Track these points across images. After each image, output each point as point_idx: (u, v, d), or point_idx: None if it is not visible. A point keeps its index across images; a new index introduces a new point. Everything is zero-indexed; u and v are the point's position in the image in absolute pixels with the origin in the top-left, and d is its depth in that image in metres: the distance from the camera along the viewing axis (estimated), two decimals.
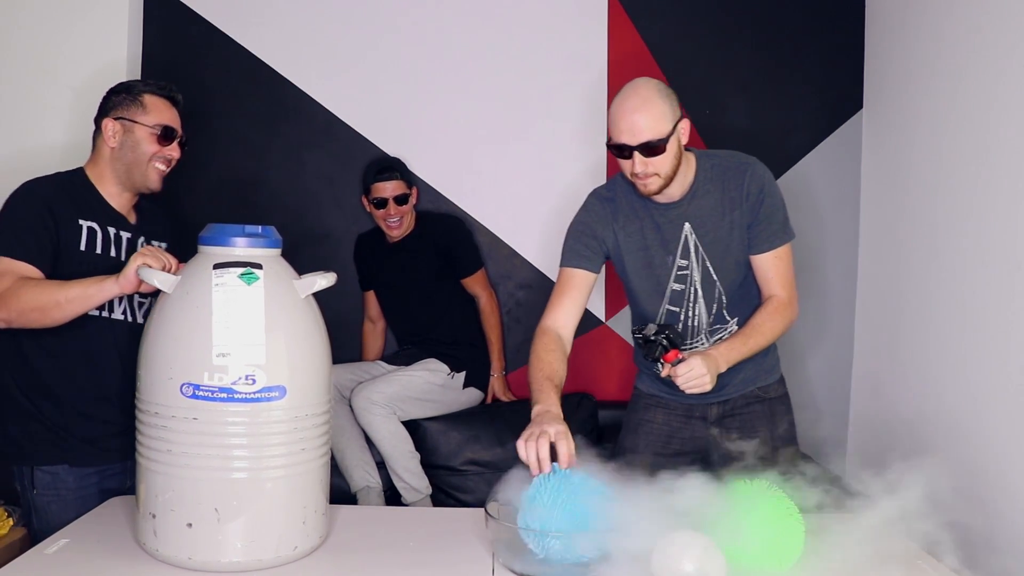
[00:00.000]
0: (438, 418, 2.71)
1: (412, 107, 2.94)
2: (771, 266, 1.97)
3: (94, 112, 2.77)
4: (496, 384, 2.87)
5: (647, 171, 1.87)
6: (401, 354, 2.86)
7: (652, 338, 1.86)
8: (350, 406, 2.65)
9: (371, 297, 2.94)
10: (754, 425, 2.06)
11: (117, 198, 1.92)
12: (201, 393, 1.39)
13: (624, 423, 2.19)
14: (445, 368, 2.73)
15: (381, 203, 2.74)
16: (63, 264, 1.78)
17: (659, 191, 1.92)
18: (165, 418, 1.40)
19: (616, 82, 2.94)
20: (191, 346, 1.41)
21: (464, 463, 2.71)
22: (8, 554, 1.84)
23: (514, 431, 2.68)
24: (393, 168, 2.78)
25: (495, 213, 2.97)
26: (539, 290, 2.98)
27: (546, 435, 1.53)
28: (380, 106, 2.94)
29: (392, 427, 2.58)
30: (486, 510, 1.46)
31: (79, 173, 1.92)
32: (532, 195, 2.96)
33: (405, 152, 2.94)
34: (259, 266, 1.47)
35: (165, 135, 1.90)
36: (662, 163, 1.87)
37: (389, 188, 2.74)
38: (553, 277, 2.94)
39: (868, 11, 2.91)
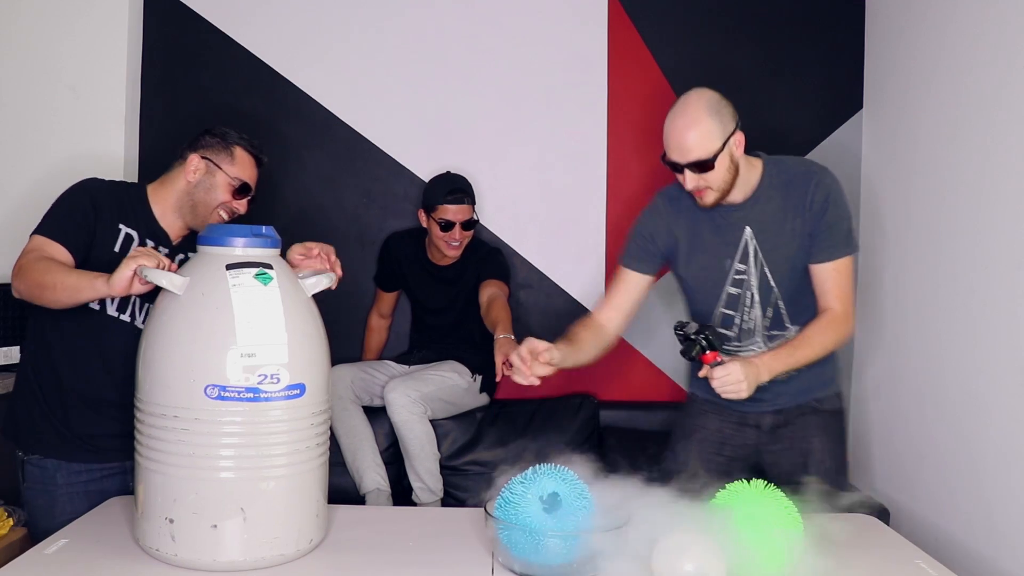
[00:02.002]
0: (443, 417, 2.71)
1: (412, 107, 2.94)
2: (828, 277, 1.94)
3: (94, 112, 2.84)
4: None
5: (699, 186, 1.91)
6: (415, 355, 2.85)
7: (692, 336, 1.86)
8: (363, 406, 2.66)
9: (388, 297, 2.93)
10: (806, 437, 2.04)
11: (170, 224, 1.95)
12: (228, 394, 1.39)
13: (676, 427, 2.19)
14: (468, 371, 2.72)
15: (448, 226, 2.65)
16: (96, 261, 1.80)
17: (715, 203, 1.94)
18: (187, 420, 1.40)
19: (616, 82, 2.94)
20: (215, 347, 1.40)
21: (466, 463, 2.71)
22: (8, 554, 1.84)
23: (516, 431, 2.73)
24: (464, 191, 2.69)
25: (495, 213, 2.96)
26: (539, 290, 2.98)
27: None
28: (380, 106, 2.94)
29: (425, 427, 2.57)
30: (486, 510, 1.46)
31: (138, 188, 1.98)
32: (532, 195, 2.96)
33: (404, 151, 2.94)
34: (270, 266, 1.47)
35: (240, 190, 1.97)
36: (714, 178, 1.90)
37: (459, 212, 2.66)
38: (553, 277, 2.98)
39: (868, 11, 2.91)
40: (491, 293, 2.59)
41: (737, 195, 1.95)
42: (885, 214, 2.76)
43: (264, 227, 1.54)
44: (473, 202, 2.72)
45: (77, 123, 2.83)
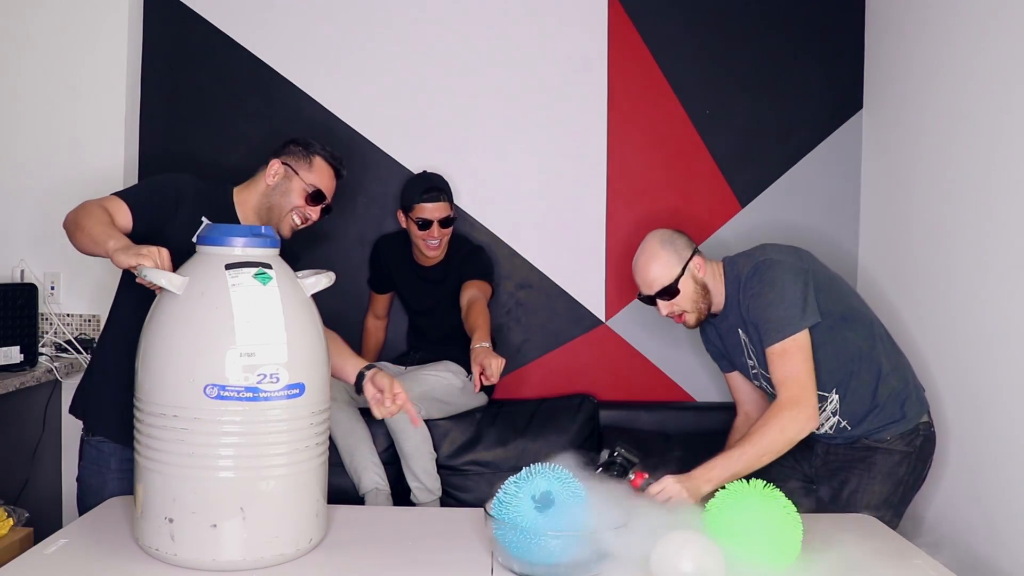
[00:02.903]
0: (441, 417, 2.71)
1: (412, 107, 2.94)
2: (771, 363, 1.98)
3: (94, 112, 2.84)
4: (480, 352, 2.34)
5: (674, 312, 2.12)
6: (412, 355, 2.85)
7: (608, 461, 1.90)
8: (360, 407, 2.66)
9: (382, 298, 2.93)
10: (848, 467, 2.07)
11: (250, 222, 2.02)
12: (227, 394, 1.39)
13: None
14: (463, 371, 2.72)
15: (425, 224, 2.65)
16: (172, 247, 1.81)
17: (696, 324, 2.15)
18: (186, 420, 1.40)
19: (616, 82, 2.94)
20: (214, 347, 1.41)
21: (465, 463, 2.71)
22: (8, 554, 1.84)
23: (515, 431, 2.73)
24: (440, 189, 2.69)
25: (495, 213, 2.96)
26: (539, 290, 2.98)
27: None
28: (380, 106, 2.94)
29: (420, 427, 2.57)
30: (486, 510, 1.46)
31: (225, 189, 2.06)
32: (532, 195, 2.96)
33: (404, 151, 2.94)
34: (269, 266, 1.47)
35: (314, 197, 2.06)
36: (683, 302, 2.10)
37: (436, 210, 2.65)
38: (552, 277, 2.98)
39: (868, 11, 2.91)
40: (471, 295, 2.59)
41: (719, 304, 2.12)
42: (885, 214, 2.76)
43: (264, 227, 1.54)
44: (450, 199, 2.72)
45: (77, 123, 2.83)
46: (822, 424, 2.07)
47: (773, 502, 1.47)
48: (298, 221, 2.05)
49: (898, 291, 2.62)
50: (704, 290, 2.11)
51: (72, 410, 2.04)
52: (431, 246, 2.69)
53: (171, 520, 1.40)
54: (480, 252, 2.82)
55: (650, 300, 2.14)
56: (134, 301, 1.88)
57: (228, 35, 2.92)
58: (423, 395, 2.58)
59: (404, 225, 2.74)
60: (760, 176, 2.96)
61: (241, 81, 2.92)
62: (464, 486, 2.69)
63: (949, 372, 2.29)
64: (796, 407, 1.90)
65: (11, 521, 2.08)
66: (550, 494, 1.42)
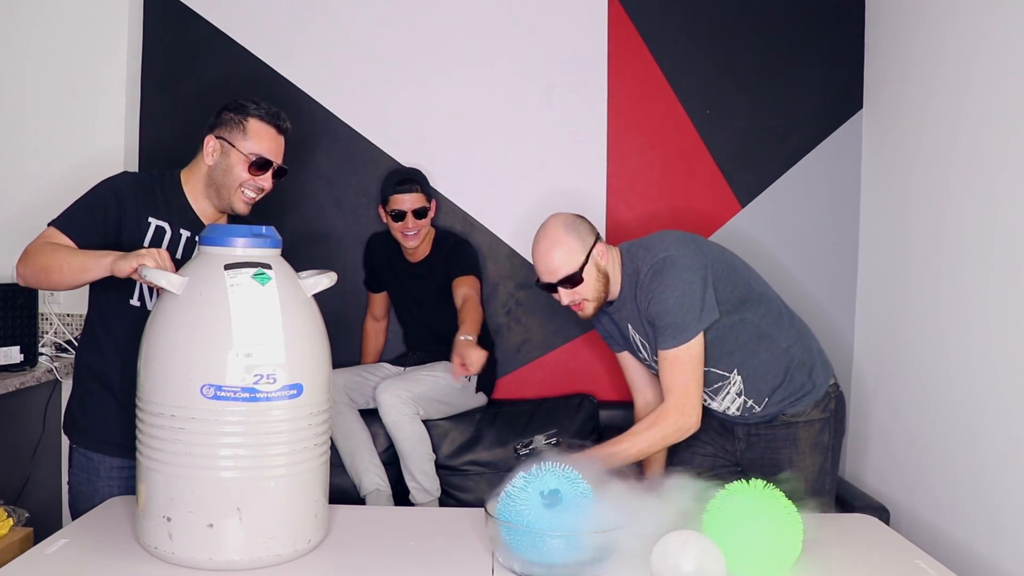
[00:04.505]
0: (439, 418, 2.71)
1: (412, 107, 2.94)
2: (662, 368, 1.98)
3: (94, 112, 2.84)
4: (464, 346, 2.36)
5: (575, 300, 2.05)
6: (410, 356, 2.86)
7: (546, 445, 1.94)
8: (359, 409, 2.66)
9: (378, 298, 2.94)
10: (776, 447, 2.09)
11: (203, 210, 1.95)
12: (223, 394, 1.39)
13: None
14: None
15: (399, 215, 2.68)
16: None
17: (595, 312, 2.08)
18: (183, 420, 1.40)
19: (616, 82, 2.94)
20: (211, 347, 1.41)
21: (465, 463, 2.71)
22: (8, 554, 1.84)
23: (515, 431, 2.73)
24: (413, 180, 2.72)
25: (495, 213, 2.97)
26: (539, 290, 2.97)
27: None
28: (380, 106, 2.94)
29: (417, 427, 2.57)
30: (486, 510, 1.46)
31: (172, 176, 1.96)
32: (532, 195, 2.96)
33: (404, 151, 2.94)
34: (269, 266, 1.47)
35: (258, 165, 1.90)
36: (586, 290, 2.04)
37: (408, 201, 2.68)
38: None
39: (868, 11, 2.91)
40: (463, 293, 2.61)
41: (615, 293, 2.08)
42: (885, 214, 2.76)
43: (264, 227, 1.54)
44: (425, 191, 2.73)
45: (77, 123, 2.83)
46: (728, 406, 2.08)
47: (773, 502, 1.46)
48: (251, 194, 1.91)
49: (898, 291, 2.62)
50: (605, 278, 2.05)
51: (63, 427, 2.04)
52: (408, 237, 2.71)
53: (169, 519, 1.40)
54: (464, 245, 2.83)
55: (550, 288, 2.07)
56: (101, 313, 1.90)
57: (228, 35, 2.92)
58: (422, 395, 2.58)
59: (384, 219, 2.77)
60: (760, 176, 2.96)
61: (241, 81, 2.92)
62: (464, 486, 2.69)
63: (951, 370, 2.29)
64: (682, 414, 1.95)
65: (11, 521, 2.07)
66: (558, 492, 1.42)
